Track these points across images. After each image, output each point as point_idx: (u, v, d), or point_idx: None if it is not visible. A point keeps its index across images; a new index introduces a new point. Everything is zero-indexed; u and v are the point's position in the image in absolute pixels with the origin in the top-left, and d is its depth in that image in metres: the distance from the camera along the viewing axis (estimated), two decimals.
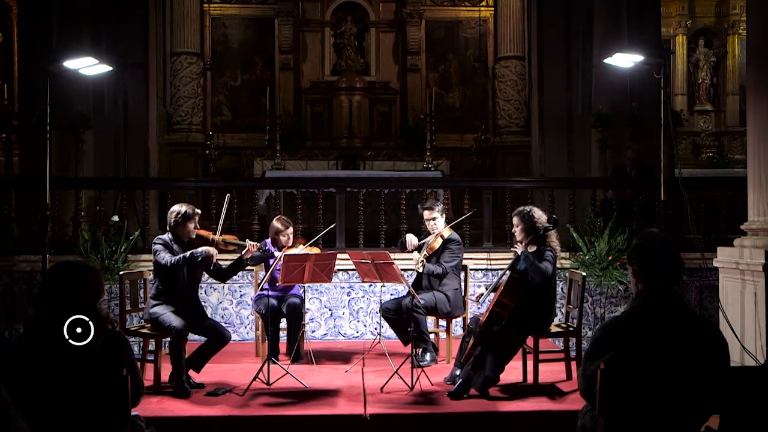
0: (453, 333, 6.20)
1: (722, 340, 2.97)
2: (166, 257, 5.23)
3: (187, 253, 5.24)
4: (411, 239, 6.16)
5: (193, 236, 5.42)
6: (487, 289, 5.52)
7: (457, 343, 5.77)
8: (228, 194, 5.81)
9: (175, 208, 5.45)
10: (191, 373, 5.28)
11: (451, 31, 13.35)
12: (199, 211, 5.50)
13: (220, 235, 5.49)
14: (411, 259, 6.19)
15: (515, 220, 5.33)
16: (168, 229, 5.43)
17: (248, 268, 6.95)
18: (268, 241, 6.33)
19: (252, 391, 5.12)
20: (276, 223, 6.26)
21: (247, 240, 5.69)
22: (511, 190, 8.30)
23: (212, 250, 5.34)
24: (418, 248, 6.13)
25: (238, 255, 5.61)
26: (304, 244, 6.21)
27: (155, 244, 5.32)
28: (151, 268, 5.52)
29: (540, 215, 5.26)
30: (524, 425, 4.71)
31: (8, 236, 7.49)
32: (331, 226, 6.92)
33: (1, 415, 2.52)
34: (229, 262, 5.67)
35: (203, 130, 12.50)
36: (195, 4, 12.46)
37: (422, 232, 6.28)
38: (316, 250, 6.26)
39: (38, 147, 6.23)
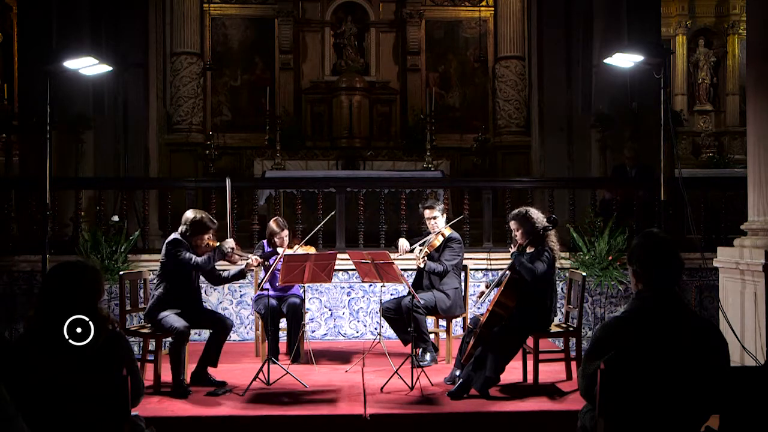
0: (453, 333, 6.20)
1: (722, 341, 2.97)
2: (194, 257, 5.26)
3: (214, 256, 5.30)
4: (403, 244, 6.17)
5: (203, 246, 5.40)
6: (487, 288, 5.52)
7: (457, 343, 5.77)
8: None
9: (196, 215, 5.38)
10: (211, 370, 5.32)
11: (451, 31, 13.34)
12: (216, 223, 5.49)
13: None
14: (411, 258, 6.19)
15: (513, 224, 5.29)
16: (181, 232, 5.38)
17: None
18: (265, 242, 6.34)
19: (252, 391, 5.12)
20: (272, 225, 6.27)
21: (251, 255, 5.73)
22: (511, 190, 8.30)
23: (236, 256, 5.40)
24: (420, 245, 6.14)
25: (240, 267, 5.61)
26: (299, 244, 6.22)
27: (176, 246, 5.25)
28: (152, 268, 5.51)
29: (537, 215, 5.25)
30: (524, 425, 4.72)
31: (8, 236, 7.49)
32: (331, 214, 6.87)
33: (1, 414, 2.52)
34: (224, 269, 5.69)
35: (203, 130, 12.50)
36: (195, 4, 12.46)
37: (422, 232, 6.29)
38: (312, 249, 6.27)
39: (38, 147, 6.23)
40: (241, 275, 5.64)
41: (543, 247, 5.15)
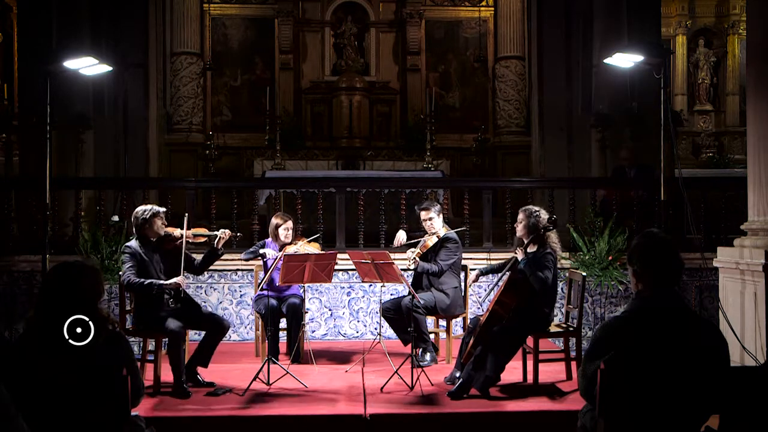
0: (453, 333, 6.20)
1: (722, 340, 2.97)
2: (128, 275, 5.19)
3: (156, 285, 5.19)
4: (400, 236, 6.18)
5: (162, 233, 5.38)
6: (486, 290, 5.55)
7: (457, 343, 5.77)
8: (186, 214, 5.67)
9: (139, 209, 5.40)
10: (200, 370, 5.31)
11: (451, 31, 13.34)
12: (163, 209, 5.47)
13: (187, 230, 5.45)
14: (405, 259, 6.18)
15: (521, 215, 5.36)
16: (134, 232, 5.38)
17: (248, 267, 6.97)
18: (268, 240, 6.34)
19: (252, 391, 5.12)
20: (275, 219, 6.28)
21: (220, 230, 5.61)
22: (511, 190, 8.29)
23: (179, 281, 5.26)
24: (412, 245, 6.15)
25: (211, 246, 5.55)
26: (303, 241, 6.22)
27: (123, 254, 5.28)
28: None
29: (545, 218, 5.31)
30: (524, 425, 4.72)
31: (8, 236, 7.49)
32: (316, 236, 6.91)
33: (1, 414, 2.52)
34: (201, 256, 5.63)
35: (203, 130, 12.49)
36: (195, 4, 12.45)
37: (421, 232, 6.28)
38: (316, 246, 6.26)
39: (38, 147, 6.23)
40: (214, 254, 5.54)
41: (545, 249, 5.17)
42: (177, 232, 5.45)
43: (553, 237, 5.27)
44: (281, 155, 11.12)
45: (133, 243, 5.32)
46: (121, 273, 5.26)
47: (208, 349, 5.33)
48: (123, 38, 10.25)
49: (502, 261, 5.32)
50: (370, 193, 8.21)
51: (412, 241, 6.17)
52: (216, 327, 5.34)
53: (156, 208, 5.40)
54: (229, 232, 5.63)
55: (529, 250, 5.20)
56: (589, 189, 8.13)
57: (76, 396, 2.91)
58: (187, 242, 5.44)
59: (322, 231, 7.09)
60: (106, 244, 7.11)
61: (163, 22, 11.94)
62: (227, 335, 5.56)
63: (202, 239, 5.57)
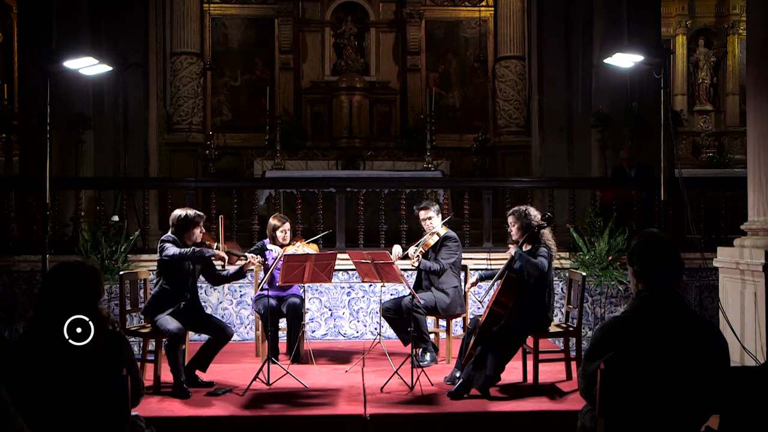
0: (453, 333, 6.20)
1: (722, 340, 2.97)
2: (175, 250, 5.18)
3: (197, 249, 5.23)
4: (396, 250, 6.18)
5: (198, 241, 5.40)
6: (479, 281, 5.58)
7: (457, 343, 5.78)
8: (221, 216, 5.71)
9: (179, 212, 5.38)
10: (198, 372, 5.30)
11: (451, 31, 13.34)
12: (203, 215, 5.47)
13: (223, 243, 5.49)
14: (407, 261, 6.19)
15: (511, 219, 5.39)
16: (171, 233, 5.39)
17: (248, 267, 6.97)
18: (266, 241, 6.34)
19: (252, 391, 5.12)
20: (273, 221, 6.28)
21: (248, 253, 5.71)
22: (511, 190, 8.30)
23: (223, 254, 5.33)
24: (415, 246, 6.16)
25: (239, 266, 5.60)
26: (302, 242, 6.23)
27: (164, 241, 5.25)
28: (152, 268, 5.52)
29: (535, 214, 5.32)
30: (524, 425, 4.71)
31: (8, 236, 7.49)
32: (327, 232, 6.93)
33: (1, 415, 2.52)
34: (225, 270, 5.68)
35: (203, 130, 12.49)
36: (195, 4, 12.45)
37: (421, 233, 6.29)
38: (314, 247, 6.27)
39: (38, 147, 6.23)
40: (240, 274, 5.62)
41: (539, 244, 5.20)
42: (214, 245, 5.46)
43: (547, 234, 5.28)
44: (281, 155, 11.12)
45: (173, 236, 5.31)
46: (165, 253, 5.18)
47: (208, 355, 5.32)
48: (123, 38, 10.25)
49: (501, 268, 5.32)
50: (370, 193, 8.21)
51: (408, 250, 6.17)
52: (219, 333, 5.32)
53: (196, 215, 5.36)
54: (258, 257, 5.70)
55: (524, 248, 5.21)
56: (589, 189, 8.14)
57: (76, 396, 2.91)
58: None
59: (328, 231, 7.10)
60: (106, 244, 7.11)
61: (163, 21, 11.95)
62: None
63: (235, 259, 5.61)
